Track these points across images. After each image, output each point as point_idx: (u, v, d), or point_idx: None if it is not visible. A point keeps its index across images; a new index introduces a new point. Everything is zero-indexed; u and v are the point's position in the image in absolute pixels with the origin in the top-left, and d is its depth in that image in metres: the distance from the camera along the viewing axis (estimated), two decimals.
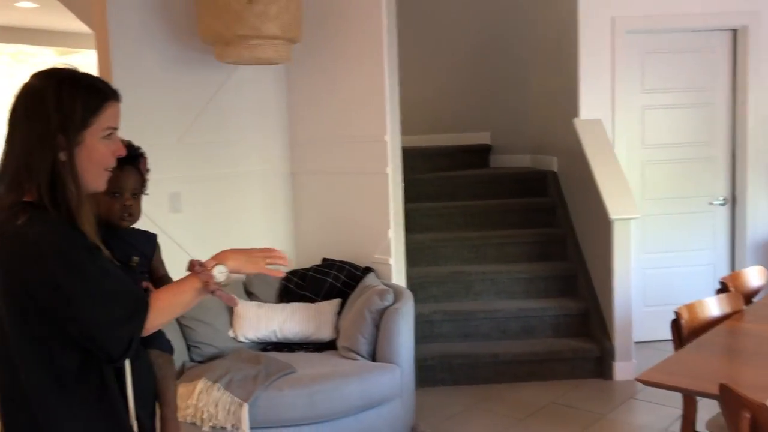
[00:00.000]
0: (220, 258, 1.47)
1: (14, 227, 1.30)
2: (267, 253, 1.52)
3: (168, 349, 1.81)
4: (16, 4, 6.22)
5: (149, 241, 1.85)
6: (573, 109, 4.52)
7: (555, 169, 5.08)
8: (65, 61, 7.73)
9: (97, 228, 1.45)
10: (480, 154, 5.94)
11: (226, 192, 3.80)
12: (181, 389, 2.86)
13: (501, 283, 4.40)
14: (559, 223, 4.81)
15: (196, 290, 1.43)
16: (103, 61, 3.37)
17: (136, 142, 1.85)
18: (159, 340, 1.77)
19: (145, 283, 1.63)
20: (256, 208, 3.96)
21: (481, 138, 6.02)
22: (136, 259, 1.72)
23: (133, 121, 3.37)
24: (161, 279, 1.89)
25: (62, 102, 1.35)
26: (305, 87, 3.97)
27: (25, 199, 1.35)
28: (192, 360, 3.20)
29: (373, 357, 3.21)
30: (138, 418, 1.52)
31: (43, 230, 1.31)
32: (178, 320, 3.19)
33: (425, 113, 6.00)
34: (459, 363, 4.02)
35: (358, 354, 3.19)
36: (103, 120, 1.40)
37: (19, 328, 1.34)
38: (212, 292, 1.45)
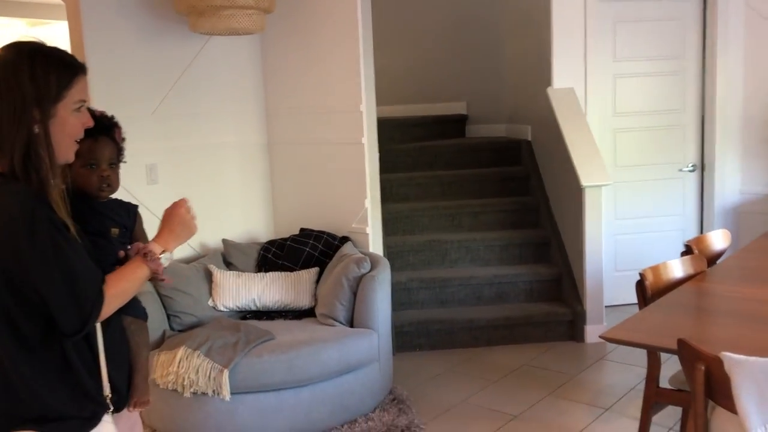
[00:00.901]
0: (162, 242, 1.57)
1: None
2: (183, 209, 1.62)
3: (141, 315, 1.81)
4: None
5: (128, 212, 1.83)
6: (546, 78, 4.57)
7: (529, 138, 5.15)
8: (34, 33, 7.59)
9: (68, 202, 1.47)
10: (456, 123, 5.99)
11: (203, 163, 3.82)
12: (162, 357, 2.91)
13: (476, 250, 4.49)
14: (532, 191, 4.89)
15: (146, 278, 1.54)
16: (75, 32, 3.34)
17: (110, 114, 1.85)
18: (132, 306, 1.76)
19: (121, 252, 1.64)
20: (233, 179, 3.98)
21: (457, 108, 6.06)
22: (115, 230, 1.72)
23: (107, 93, 3.39)
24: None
25: (36, 75, 1.38)
26: (280, 57, 3.97)
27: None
28: (172, 329, 3.25)
29: (351, 323, 3.28)
30: (111, 382, 1.55)
31: (13, 198, 1.34)
32: (157, 290, 3.22)
33: (402, 83, 6.02)
34: (436, 328, 4.12)
35: (336, 320, 3.26)
36: (74, 93, 1.44)
37: (8, 304, 1.37)
38: (159, 280, 1.56)
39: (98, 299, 1.40)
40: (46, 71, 1.40)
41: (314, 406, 3.00)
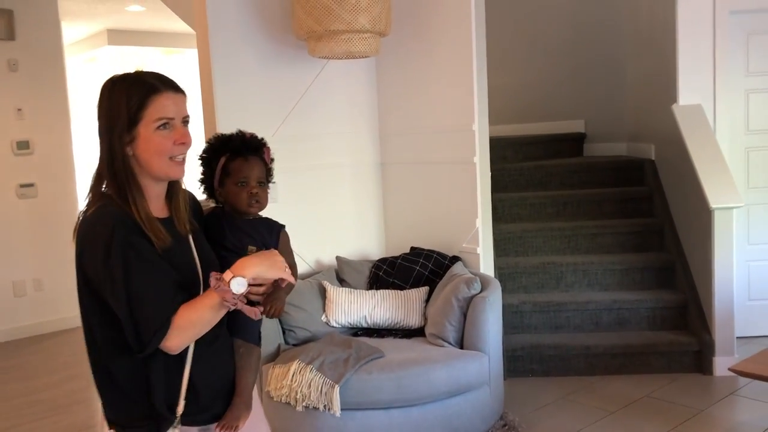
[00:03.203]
0: (238, 269, 1.44)
1: (84, 217, 1.45)
2: (283, 263, 1.52)
3: (253, 340, 1.78)
4: (126, 8, 6.63)
5: (270, 230, 1.86)
6: (671, 95, 4.36)
7: (653, 157, 4.91)
8: (168, 61, 8.15)
9: (183, 221, 1.56)
10: (573, 142, 5.82)
11: (319, 183, 3.93)
12: (277, 370, 3.00)
13: (594, 274, 4.32)
14: (656, 212, 4.65)
15: (214, 307, 1.43)
16: (204, 59, 3.55)
17: (261, 136, 1.93)
18: (246, 329, 1.75)
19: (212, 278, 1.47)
20: (347, 198, 4.07)
21: (574, 126, 5.90)
22: (252, 248, 1.69)
23: (232, 115, 3.58)
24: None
25: (111, 105, 1.47)
26: (394, 78, 4.03)
27: (107, 192, 1.48)
28: (287, 343, 3.35)
29: (461, 345, 3.24)
30: (197, 398, 1.55)
31: (99, 221, 1.42)
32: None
33: (517, 102, 5.95)
34: (549, 354, 3.99)
35: (445, 341, 3.23)
36: (152, 112, 1.46)
37: (85, 303, 1.47)
38: (232, 306, 1.43)
39: (162, 328, 1.40)
40: (119, 99, 1.46)
41: (423, 426, 2.97)
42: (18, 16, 5.36)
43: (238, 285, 1.41)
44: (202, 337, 1.50)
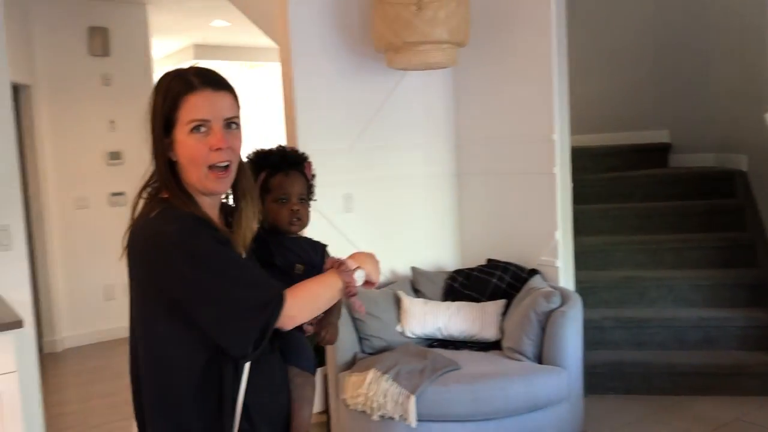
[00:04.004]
0: (358, 260, 1.41)
1: (146, 220, 1.33)
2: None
3: (309, 368, 1.70)
4: (211, 24, 6.89)
5: (315, 249, 1.80)
6: (764, 103, 4.14)
7: (744, 169, 4.68)
8: (251, 74, 8.39)
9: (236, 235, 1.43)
10: (658, 153, 5.62)
11: (395, 193, 3.95)
12: (353, 378, 3.03)
13: (679, 290, 4.14)
14: (747, 226, 4.42)
15: (334, 286, 1.37)
16: (286, 72, 3.64)
17: (314, 148, 1.91)
18: (300, 357, 1.69)
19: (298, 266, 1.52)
20: (423, 208, 4.06)
21: (659, 136, 5.69)
22: (300, 266, 1.68)
23: (312, 128, 3.65)
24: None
25: (152, 107, 1.37)
26: (471, 89, 4.01)
27: (162, 196, 1.37)
28: (363, 351, 3.37)
29: (539, 359, 3.18)
30: (256, 429, 1.42)
31: (170, 222, 1.30)
32: (350, 313, 3.34)
33: (598, 111, 5.79)
34: (632, 372, 3.85)
35: (523, 355, 3.17)
36: (184, 114, 1.33)
37: (153, 321, 1.33)
38: (348, 296, 1.37)
39: (276, 300, 1.28)
40: (156, 100, 1.36)
41: None
42: (112, 33, 5.66)
43: (360, 277, 1.42)
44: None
